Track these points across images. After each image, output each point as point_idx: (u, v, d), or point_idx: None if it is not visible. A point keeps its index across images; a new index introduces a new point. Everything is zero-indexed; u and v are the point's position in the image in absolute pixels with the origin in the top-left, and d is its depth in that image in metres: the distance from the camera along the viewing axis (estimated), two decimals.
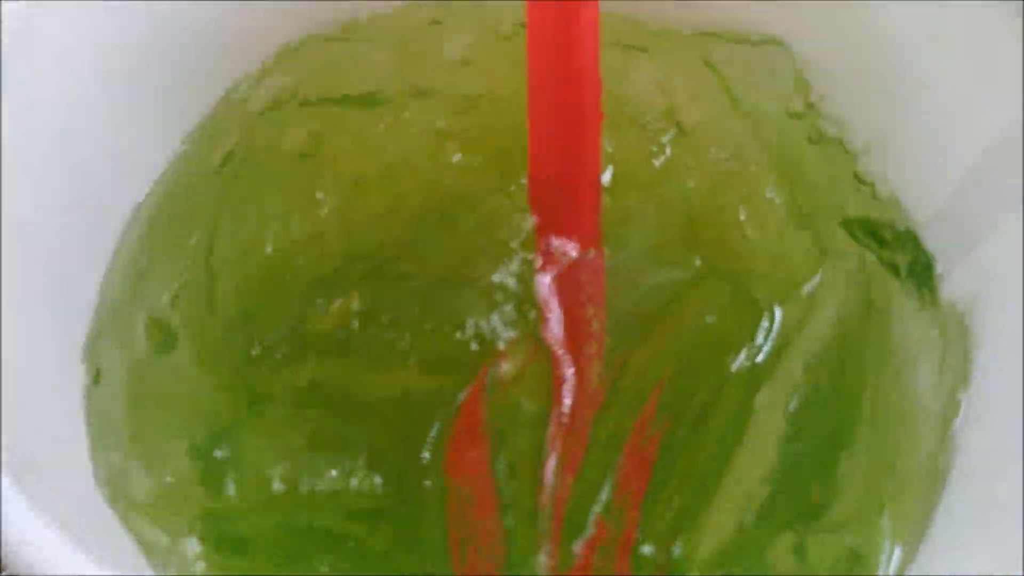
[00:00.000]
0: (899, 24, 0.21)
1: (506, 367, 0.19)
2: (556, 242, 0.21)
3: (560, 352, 0.20)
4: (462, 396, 0.19)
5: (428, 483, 0.18)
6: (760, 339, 0.20)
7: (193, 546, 0.18)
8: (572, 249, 0.21)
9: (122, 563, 0.13)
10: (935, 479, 0.19)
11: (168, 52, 0.22)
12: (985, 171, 0.21)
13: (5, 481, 0.14)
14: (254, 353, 0.20)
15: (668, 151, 0.23)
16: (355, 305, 0.20)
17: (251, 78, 0.24)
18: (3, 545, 0.13)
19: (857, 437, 0.19)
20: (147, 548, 0.17)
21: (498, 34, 0.23)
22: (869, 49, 0.22)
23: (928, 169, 0.22)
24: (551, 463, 0.19)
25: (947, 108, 0.21)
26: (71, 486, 0.17)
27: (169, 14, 0.21)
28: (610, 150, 0.22)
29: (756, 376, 0.20)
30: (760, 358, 0.20)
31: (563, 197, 0.21)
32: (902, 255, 0.21)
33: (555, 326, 0.20)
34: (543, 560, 0.18)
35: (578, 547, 0.18)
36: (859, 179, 0.23)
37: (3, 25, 0.18)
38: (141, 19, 0.21)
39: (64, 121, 0.20)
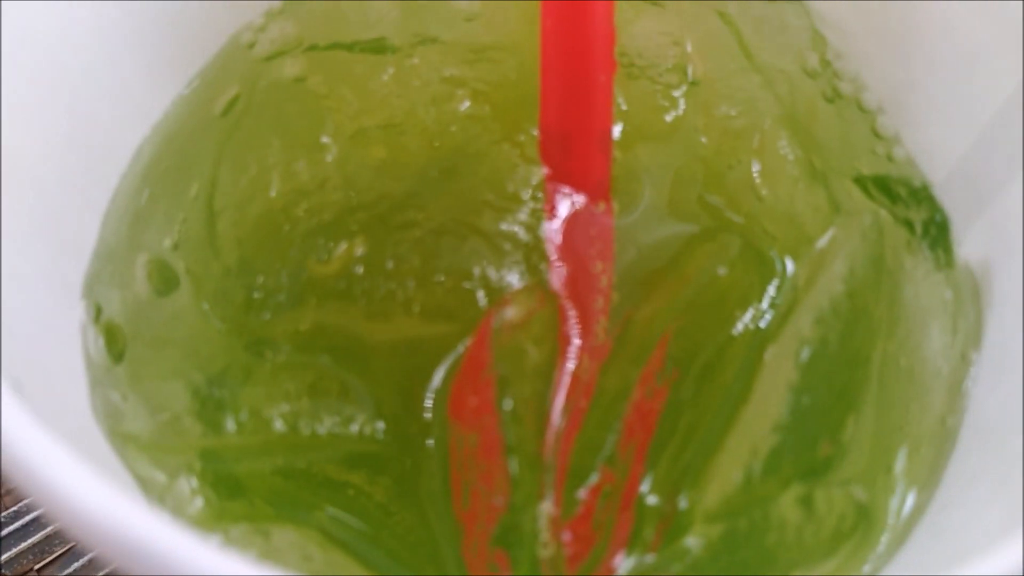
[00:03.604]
0: None
1: (513, 312, 0.19)
2: (565, 194, 0.21)
3: (567, 304, 0.20)
4: (467, 341, 0.19)
5: (431, 428, 0.18)
6: (770, 294, 0.20)
7: (191, 485, 0.17)
8: (581, 202, 0.21)
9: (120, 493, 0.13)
10: (945, 438, 0.19)
11: None
12: (999, 129, 0.20)
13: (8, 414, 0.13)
14: (256, 297, 0.20)
15: (680, 105, 0.22)
16: (358, 251, 0.20)
17: (257, 23, 0.23)
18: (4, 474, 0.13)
19: (866, 396, 0.19)
20: (144, 484, 0.17)
21: None
22: (885, 7, 0.22)
23: (943, 128, 0.22)
24: (556, 411, 0.18)
25: (962, 66, 0.21)
26: (69, 421, 0.17)
27: None
28: (621, 103, 0.22)
29: (766, 331, 0.20)
30: (770, 313, 0.20)
31: (574, 149, 0.21)
32: (916, 212, 0.21)
33: (563, 278, 0.20)
34: (546, 507, 0.18)
35: (582, 495, 0.18)
36: (877, 135, 0.22)
37: None
38: None
39: (65, 62, 0.20)
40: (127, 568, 0.12)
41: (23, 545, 0.27)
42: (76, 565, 0.27)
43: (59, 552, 0.27)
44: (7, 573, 0.26)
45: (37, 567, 0.27)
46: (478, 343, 0.19)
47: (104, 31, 0.21)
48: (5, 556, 0.26)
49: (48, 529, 0.27)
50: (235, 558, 0.12)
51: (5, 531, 0.27)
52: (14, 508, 0.27)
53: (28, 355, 0.17)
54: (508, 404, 0.18)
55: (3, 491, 0.27)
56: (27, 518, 0.27)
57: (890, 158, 0.22)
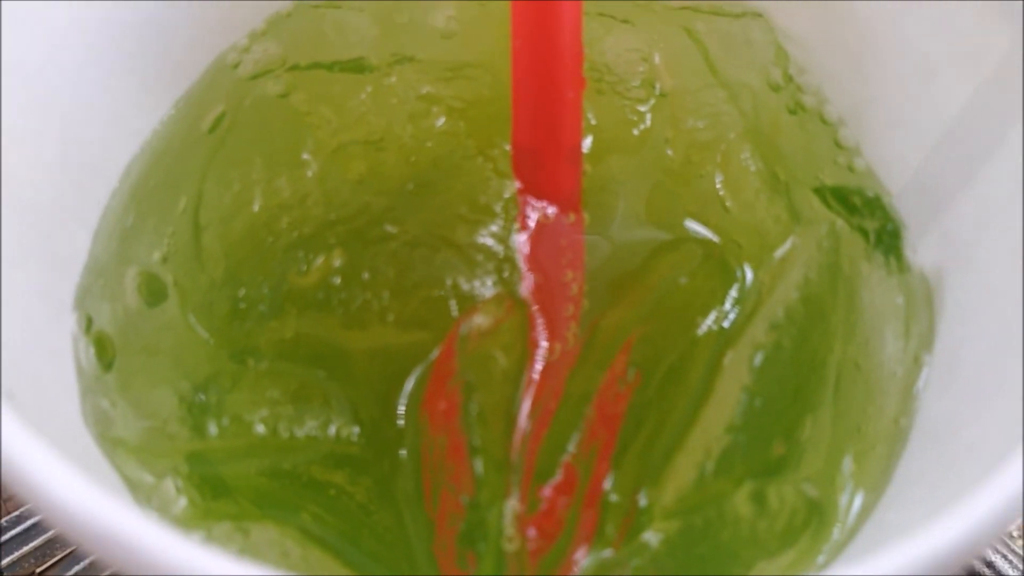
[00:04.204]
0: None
1: (480, 320, 0.20)
2: (537, 207, 0.22)
3: (537, 312, 0.21)
4: (439, 349, 0.20)
5: (404, 432, 0.19)
6: (731, 302, 0.21)
7: (176, 486, 0.18)
8: (552, 214, 0.22)
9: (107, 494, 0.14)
10: (897, 438, 0.20)
11: (159, 18, 0.23)
12: (952, 142, 0.21)
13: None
14: (240, 308, 0.21)
15: (648, 119, 0.23)
16: (336, 263, 0.21)
17: (242, 44, 0.24)
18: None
19: (823, 398, 0.20)
20: (132, 486, 0.18)
21: (482, 5, 0.24)
22: (845, 24, 0.23)
23: (900, 141, 0.23)
24: (523, 415, 0.19)
25: (917, 81, 0.22)
26: (61, 427, 0.18)
27: None
28: (591, 118, 0.23)
29: (726, 337, 0.20)
30: (730, 320, 0.21)
31: (545, 163, 0.22)
32: (871, 221, 0.22)
33: (533, 287, 0.21)
34: (512, 504, 0.18)
35: (547, 492, 0.19)
36: (839, 146, 0.23)
37: None
38: None
39: (56, 86, 0.21)
40: (113, 564, 0.13)
41: (25, 549, 0.27)
42: (77, 568, 0.27)
43: (60, 556, 0.27)
44: None
45: (39, 571, 0.27)
46: (446, 351, 0.20)
47: (94, 55, 0.21)
48: (7, 560, 0.27)
49: (49, 533, 0.27)
50: (216, 554, 0.13)
51: (7, 535, 0.27)
52: (16, 513, 0.28)
53: (21, 365, 0.17)
54: (474, 409, 0.19)
55: (4, 496, 0.28)
56: (28, 523, 0.27)
57: (851, 168, 0.23)
